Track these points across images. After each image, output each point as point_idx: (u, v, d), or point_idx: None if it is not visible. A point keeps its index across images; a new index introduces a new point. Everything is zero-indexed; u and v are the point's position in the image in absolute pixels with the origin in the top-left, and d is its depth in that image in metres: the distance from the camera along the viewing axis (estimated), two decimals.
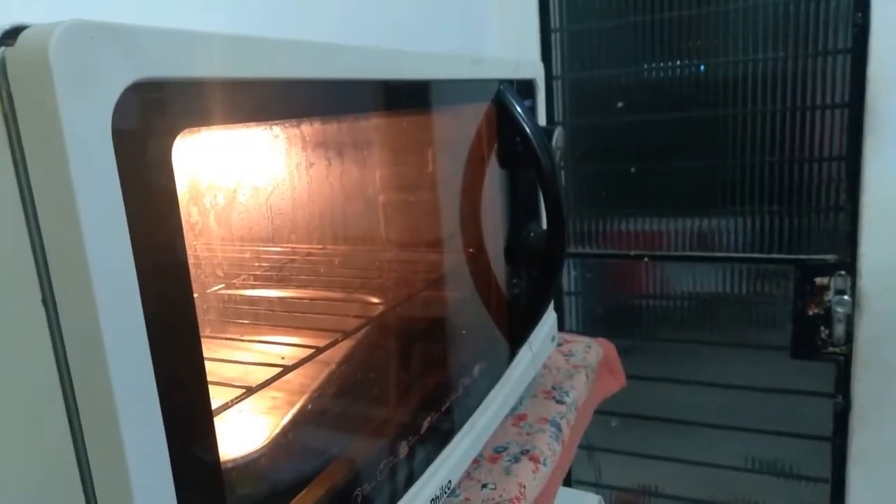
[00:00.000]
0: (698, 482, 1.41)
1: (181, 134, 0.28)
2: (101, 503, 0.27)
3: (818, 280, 1.24)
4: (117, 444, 0.25)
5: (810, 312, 1.26)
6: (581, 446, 1.44)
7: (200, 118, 0.29)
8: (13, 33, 0.23)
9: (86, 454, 0.26)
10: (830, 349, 1.25)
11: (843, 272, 1.22)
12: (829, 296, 1.24)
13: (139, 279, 0.25)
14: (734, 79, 1.23)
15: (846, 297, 1.22)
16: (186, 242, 0.28)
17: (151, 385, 0.26)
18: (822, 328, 1.25)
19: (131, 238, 0.25)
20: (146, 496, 0.26)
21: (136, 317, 0.26)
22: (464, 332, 0.61)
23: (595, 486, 1.49)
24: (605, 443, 1.46)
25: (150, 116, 0.26)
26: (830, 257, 1.23)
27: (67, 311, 0.25)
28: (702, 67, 1.26)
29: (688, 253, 1.33)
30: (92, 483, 0.27)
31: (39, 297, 0.25)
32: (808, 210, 1.23)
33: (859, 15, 1.13)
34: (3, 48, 0.23)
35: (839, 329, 1.24)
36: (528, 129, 0.60)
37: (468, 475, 0.59)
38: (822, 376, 1.27)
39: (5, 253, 0.25)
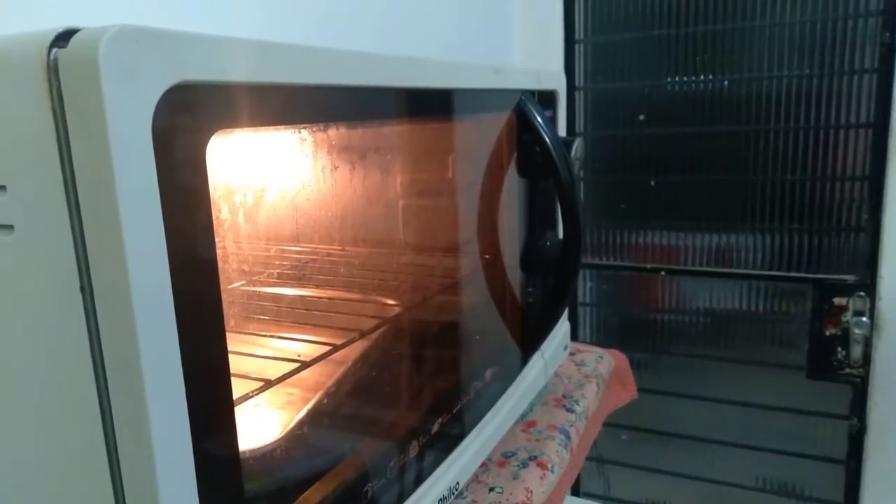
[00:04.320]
0: (708, 500, 1.40)
1: (216, 134, 0.29)
2: (126, 484, 0.28)
3: (837, 300, 1.23)
4: (144, 428, 0.27)
5: (827, 333, 1.25)
6: (590, 458, 1.44)
7: (234, 120, 0.30)
8: (66, 36, 0.25)
9: (114, 437, 0.28)
10: (847, 371, 1.24)
11: (862, 293, 1.21)
12: (848, 317, 1.23)
13: (171, 271, 0.27)
14: (758, 95, 1.23)
15: (865, 318, 1.21)
16: (216, 236, 0.29)
17: (178, 373, 0.28)
18: (839, 349, 1.24)
19: (166, 231, 0.26)
20: (170, 479, 0.28)
21: (167, 306, 0.27)
22: (477, 336, 0.62)
23: (603, 499, 1.48)
24: (615, 455, 1.46)
25: (188, 117, 0.28)
26: (850, 278, 1.22)
27: (103, 297, 0.26)
28: (725, 82, 1.25)
29: (705, 268, 1.33)
30: (119, 464, 0.28)
31: (78, 284, 0.26)
32: (828, 229, 1.22)
33: (887, 34, 1.13)
34: (56, 49, 0.25)
35: (856, 351, 1.22)
36: (547, 140, 0.60)
37: (476, 478, 0.59)
38: (837, 398, 1.26)
39: (49, 240, 0.27)
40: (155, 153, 0.26)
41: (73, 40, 0.24)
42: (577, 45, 1.36)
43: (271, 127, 0.34)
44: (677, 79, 1.29)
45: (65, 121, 0.25)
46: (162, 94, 0.26)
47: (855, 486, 1.27)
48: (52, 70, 0.25)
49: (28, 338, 0.29)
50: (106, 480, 0.28)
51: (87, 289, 0.26)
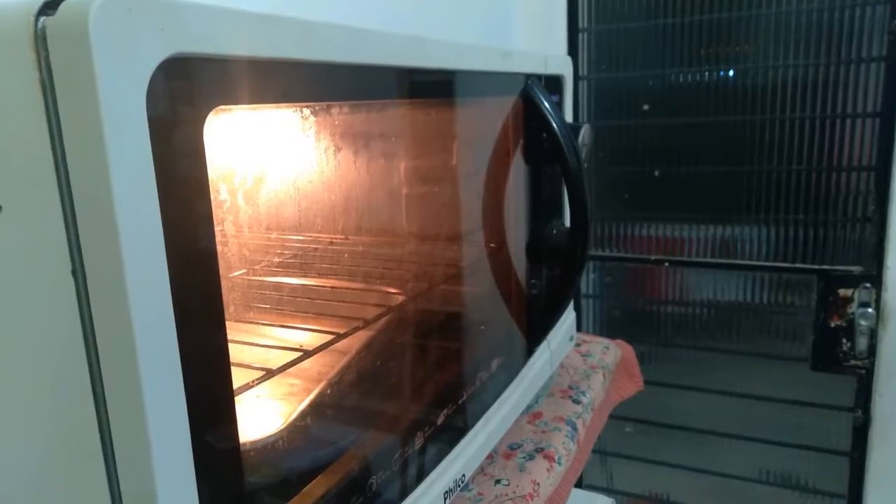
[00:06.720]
0: (711, 492, 1.39)
1: (214, 111, 0.28)
2: (122, 477, 0.27)
3: (842, 291, 1.22)
4: (141, 419, 0.25)
5: (832, 324, 1.24)
6: (593, 450, 1.43)
7: (233, 96, 0.29)
8: (54, 4, 0.23)
9: (109, 430, 0.26)
10: (852, 362, 1.23)
11: (868, 284, 1.20)
12: (853, 308, 1.21)
13: (168, 253, 0.26)
14: (763, 85, 1.21)
15: (870, 309, 1.19)
16: (214, 218, 0.28)
17: (176, 361, 0.26)
18: (844, 341, 1.23)
19: (162, 212, 0.25)
20: (167, 471, 0.26)
21: (164, 290, 0.26)
22: (482, 326, 0.61)
23: (607, 491, 1.48)
24: (619, 448, 1.45)
25: (184, 91, 0.26)
26: (855, 269, 1.20)
27: (97, 281, 0.25)
28: (731, 72, 1.24)
29: (709, 259, 1.31)
30: (114, 457, 0.27)
31: (70, 267, 0.25)
32: (834, 220, 1.21)
33: (895, 22, 1.11)
34: (44, 17, 0.23)
35: (862, 342, 1.21)
36: (554, 125, 0.59)
37: (482, 470, 0.58)
38: (842, 390, 1.25)
39: (39, 221, 0.25)
40: (150, 128, 0.24)
41: (62, 7, 0.23)
42: (580, 34, 1.34)
43: (272, 105, 0.33)
44: (682, 68, 1.27)
45: (54, 94, 0.24)
46: (157, 66, 0.25)
47: (859, 478, 1.26)
48: (40, 39, 0.23)
49: (18, 324, 0.27)
50: (101, 473, 0.27)
51: (79, 272, 0.25)
